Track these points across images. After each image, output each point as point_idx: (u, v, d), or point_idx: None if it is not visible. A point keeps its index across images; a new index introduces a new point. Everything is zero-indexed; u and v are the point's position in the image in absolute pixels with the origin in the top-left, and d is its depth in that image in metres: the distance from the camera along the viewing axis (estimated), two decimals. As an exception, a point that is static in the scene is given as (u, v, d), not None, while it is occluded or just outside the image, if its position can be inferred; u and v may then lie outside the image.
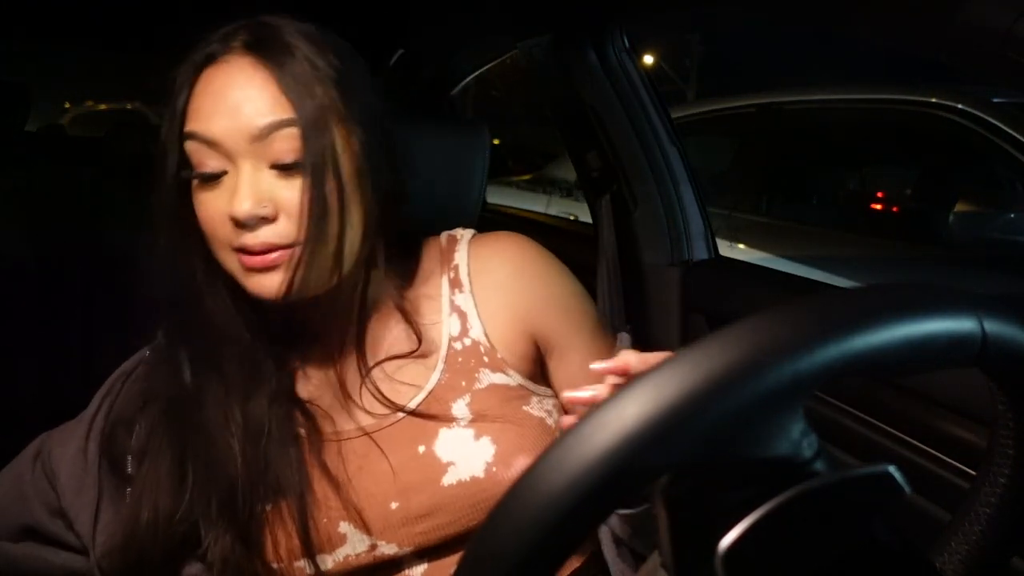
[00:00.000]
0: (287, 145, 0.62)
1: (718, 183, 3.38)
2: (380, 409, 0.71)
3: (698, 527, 0.34)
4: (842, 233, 2.89)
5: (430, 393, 0.71)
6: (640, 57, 1.29)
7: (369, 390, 0.71)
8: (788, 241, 2.77)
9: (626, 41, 1.24)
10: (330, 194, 0.63)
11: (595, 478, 0.29)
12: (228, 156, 0.63)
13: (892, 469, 0.33)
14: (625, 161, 1.22)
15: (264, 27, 0.65)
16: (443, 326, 0.74)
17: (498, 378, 0.72)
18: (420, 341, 0.72)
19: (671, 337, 1.19)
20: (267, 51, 0.63)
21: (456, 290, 0.75)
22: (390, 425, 0.70)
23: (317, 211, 0.62)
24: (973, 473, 0.73)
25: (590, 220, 1.37)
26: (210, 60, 0.64)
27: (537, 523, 0.29)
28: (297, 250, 0.63)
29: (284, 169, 0.63)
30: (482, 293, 0.75)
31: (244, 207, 0.61)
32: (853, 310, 0.32)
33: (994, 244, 2.34)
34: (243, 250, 0.63)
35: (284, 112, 0.62)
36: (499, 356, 0.73)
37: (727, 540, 0.31)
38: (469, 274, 0.76)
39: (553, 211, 3.58)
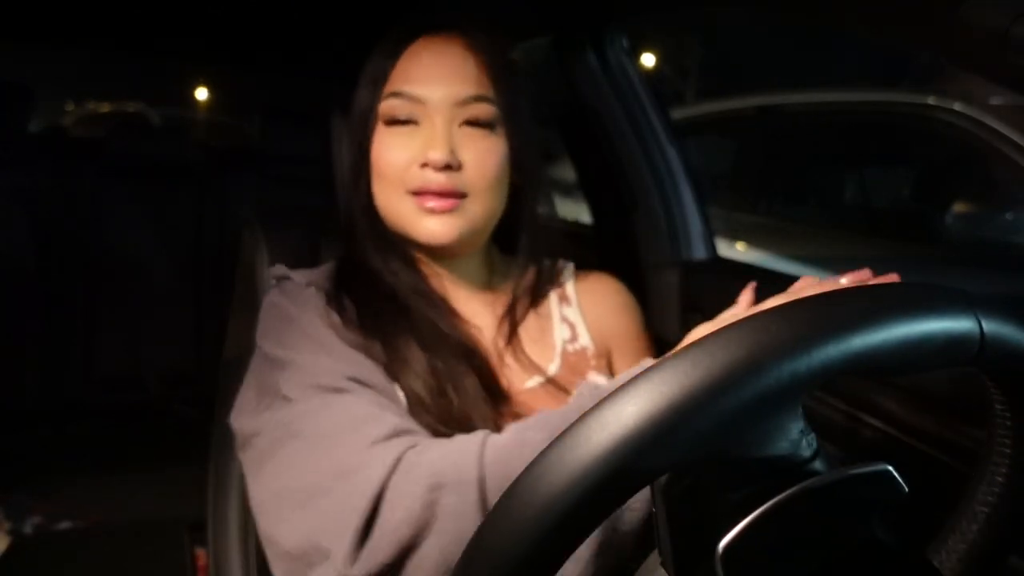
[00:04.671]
0: (483, 112, 0.72)
1: (718, 183, 3.38)
2: (514, 381, 0.77)
3: (698, 527, 0.34)
4: (842, 233, 2.89)
5: (551, 379, 0.79)
6: (640, 57, 1.29)
7: (517, 356, 0.79)
8: (788, 241, 2.77)
9: (625, 42, 1.24)
10: (508, 155, 0.74)
11: (594, 478, 0.29)
12: (426, 113, 0.71)
13: (891, 468, 0.33)
14: (624, 161, 1.22)
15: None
16: (555, 330, 0.84)
17: (602, 381, 0.82)
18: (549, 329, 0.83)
19: (671, 337, 1.18)
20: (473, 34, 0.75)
21: (564, 304, 0.87)
22: (515, 396, 0.76)
23: (498, 168, 0.73)
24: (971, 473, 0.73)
25: (590, 220, 1.37)
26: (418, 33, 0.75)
27: (536, 523, 0.29)
28: (467, 201, 0.71)
29: (476, 126, 0.72)
30: (588, 311, 0.87)
31: (440, 154, 0.69)
32: (852, 309, 0.32)
33: (993, 244, 2.34)
34: (424, 191, 0.70)
35: (484, 89, 0.72)
36: (603, 363, 0.85)
37: (727, 540, 0.31)
38: (577, 293, 0.88)
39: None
